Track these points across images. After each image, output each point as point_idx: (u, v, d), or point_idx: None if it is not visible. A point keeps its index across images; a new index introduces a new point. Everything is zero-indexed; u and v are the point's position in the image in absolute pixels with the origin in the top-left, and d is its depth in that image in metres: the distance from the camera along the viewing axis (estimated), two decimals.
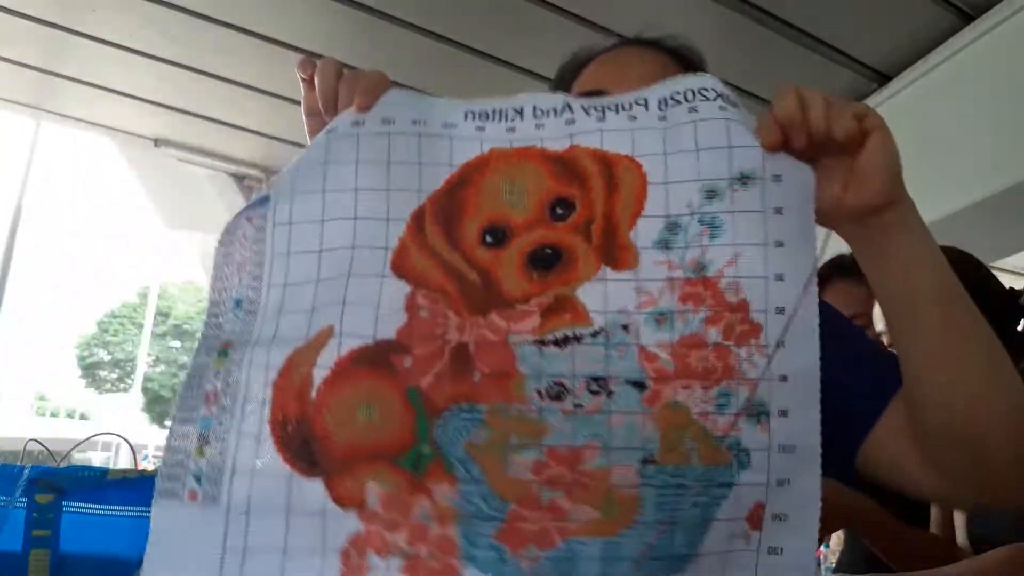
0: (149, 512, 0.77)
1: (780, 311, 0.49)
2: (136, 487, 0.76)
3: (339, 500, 0.46)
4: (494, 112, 0.55)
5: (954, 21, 1.91)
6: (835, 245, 1.56)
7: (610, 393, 0.47)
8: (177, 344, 25.16)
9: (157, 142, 2.67)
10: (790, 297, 0.49)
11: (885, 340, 1.21)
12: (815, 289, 0.50)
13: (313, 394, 0.47)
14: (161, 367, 24.42)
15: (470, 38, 2.08)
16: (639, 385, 0.48)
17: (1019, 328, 1.13)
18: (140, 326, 22.21)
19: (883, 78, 2.13)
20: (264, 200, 0.55)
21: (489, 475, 0.46)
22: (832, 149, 0.52)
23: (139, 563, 0.76)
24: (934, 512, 1.23)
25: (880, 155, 0.52)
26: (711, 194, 0.50)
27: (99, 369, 25.29)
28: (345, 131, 0.55)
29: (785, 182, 0.50)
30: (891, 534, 1.18)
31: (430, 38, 2.06)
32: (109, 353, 25.17)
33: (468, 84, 2.29)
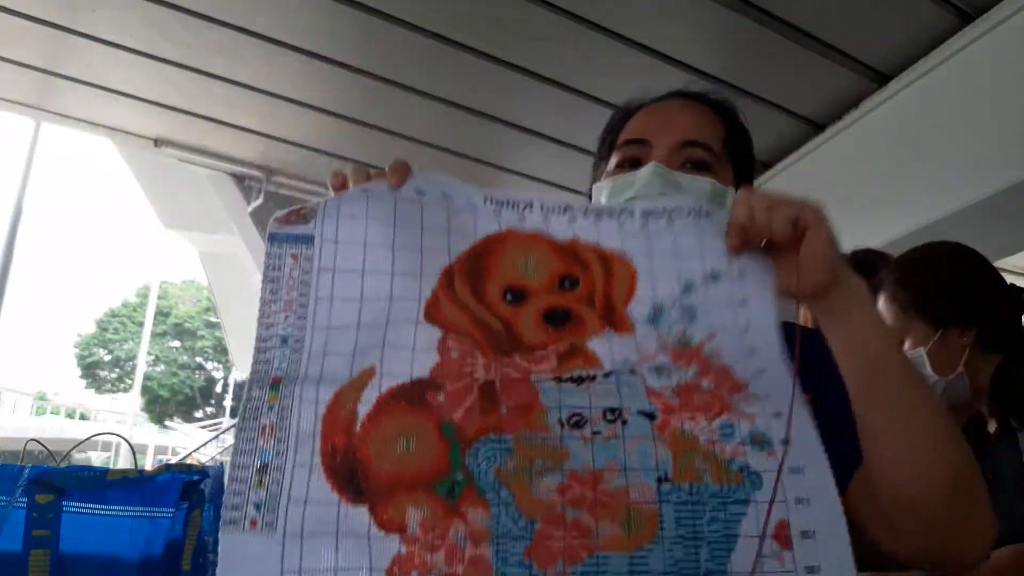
0: (149, 512, 0.77)
1: (761, 372, 0.57)
2: (136, 487, 0.76)
3: (383, 525, 0.50)
4: (508, 202, 0.64)
5: (954, 21, 1.92)
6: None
7: (624, 421, 0.54)
8: (177, 344, 25.17)
9: (157, 142, 2.68)
10: (765, 361, 0.58)
11: None
12: (781, 355, 0.58)
13: (358, 427, 0.53)
14: (161, 367, 24.44)
15: (470, 38, 2.09)
16: (649, 415, 0.54)
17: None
18: (140, 325, 22.22)
19: (883, 78, 2.13)
20: (308, 239, 0.60)
21: (517, 497, 0.51)
22: (780, 245, 0.60)
23: (139, 563, 0.76)
24: None
25: (813, 249, 0.58)
26: (688, 287, 0.61)
27: (99, 369, 25.30)
28: (382, 193, 0.62)
29: (748, 278, 0.61)
30: None
31: (430, 38, 2.06)
32: (109, 352, 25.19)
33: (468, 84, 2.29)
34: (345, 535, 0.50)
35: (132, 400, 18.64)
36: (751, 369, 0.57)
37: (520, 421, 0.53)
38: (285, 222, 0.61)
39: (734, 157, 0.82)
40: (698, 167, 0.78)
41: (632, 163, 0.80)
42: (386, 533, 0.50)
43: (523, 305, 0.59)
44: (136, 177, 3.49)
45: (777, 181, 2.52)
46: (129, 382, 22.72)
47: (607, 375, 0.56)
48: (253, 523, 0.50)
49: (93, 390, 25.26)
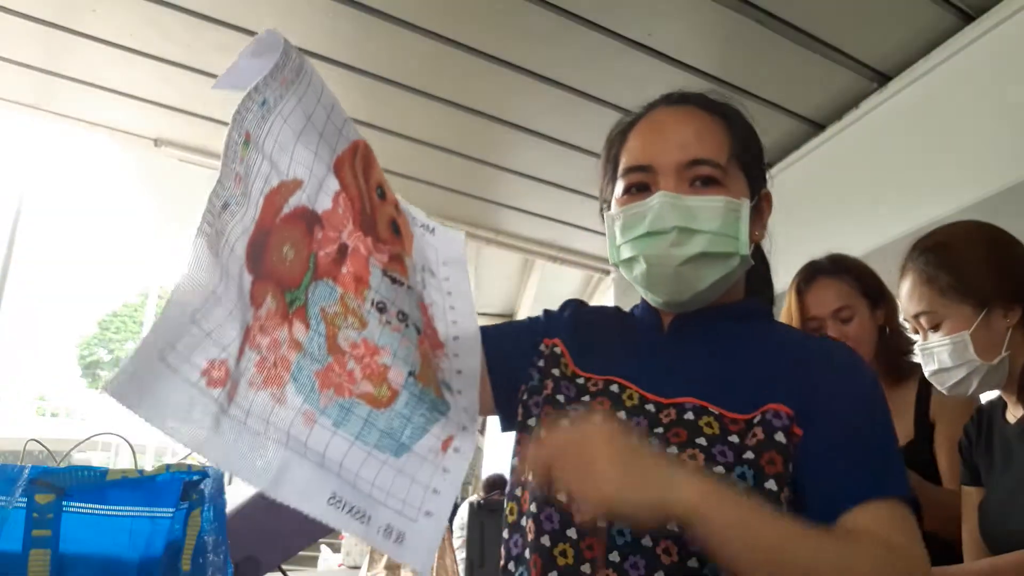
0: (149, 512, 0.77)
1: (456, 339, 0.79)
2: (136, 487, 0.76)
3: (251, 296, 0.63)
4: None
5: (954, 21, 1.92)
6: (820, 246, 1.54)
7: (407, 325, 0.72)
8: None
9: (157, 142, 2.68)
10: (460, 333, 0.79)
11: (910, 326, 1.20)
12: (477, 331, 0.80)
13: (277, 220, 0.65)
14: None
15: (470, 38, 2.09)
16: (419, 329, 0.74)
17: None
18: (141, 325, 22.21)
19: (883, 78, 2.14)
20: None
21: (328, 334, 0.68)
22: None
23: (139, 563, 0.76)
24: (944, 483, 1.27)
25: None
26: (423, 268, 0.80)
27: (99, 369, 25.29)
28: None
29: (451, 279, 0.82)
30: (929, 497, 1.21)
31: (430, 38, 2.06)
32: (110, 352, 25.19)
33: (468, 84, 2.29)
34: (240, 288, 0.61)
35: None
36: (450, 335, 0.79)
37: (351, 284, 0.70)
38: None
39: (743, 160, 0.81)
40: (707, 183, 0.77)
41: (640, 187, 0.79)
42: (250, 303, 0.62)
43: (383, 204, 0.75)
44: (137, 177, 3.48)
45: (777, 181, 2.51)
46: None
47: (409, 288, 0.74)
48: (210, 243, 0.59)
49: (93, 390, 25.24)
